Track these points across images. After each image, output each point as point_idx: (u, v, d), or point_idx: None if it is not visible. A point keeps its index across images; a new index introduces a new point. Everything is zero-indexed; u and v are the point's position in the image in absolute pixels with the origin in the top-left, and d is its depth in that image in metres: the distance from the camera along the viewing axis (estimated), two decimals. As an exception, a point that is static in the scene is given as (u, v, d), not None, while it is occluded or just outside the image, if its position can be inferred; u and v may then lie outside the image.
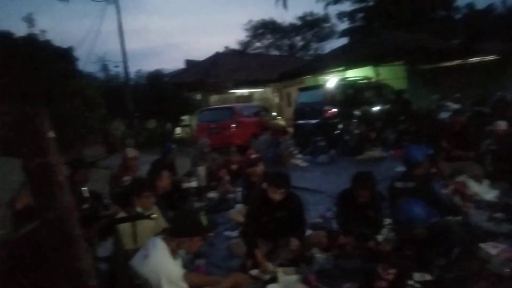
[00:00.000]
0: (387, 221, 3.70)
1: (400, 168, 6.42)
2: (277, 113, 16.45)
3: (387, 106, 11.70)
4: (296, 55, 31.18)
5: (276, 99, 21.91)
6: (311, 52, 33.07)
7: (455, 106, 10.56)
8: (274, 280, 3.29)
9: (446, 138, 5.68)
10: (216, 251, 4.19)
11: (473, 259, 3.16)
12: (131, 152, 5.74)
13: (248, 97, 21.82)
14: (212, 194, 6.35)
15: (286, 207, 3.64)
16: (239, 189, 6.11)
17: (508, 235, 3.48)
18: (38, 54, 10.72)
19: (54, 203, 1.07)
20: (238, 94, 21.51)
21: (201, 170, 6.80)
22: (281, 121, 14.64)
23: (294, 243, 3.46)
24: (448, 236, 2.75)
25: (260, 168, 5.12)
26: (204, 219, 2.68)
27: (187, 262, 2.95)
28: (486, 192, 4.67)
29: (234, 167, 7.01)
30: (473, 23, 23.44)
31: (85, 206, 1.87)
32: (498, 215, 3.96)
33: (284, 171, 4.34)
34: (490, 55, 15.51)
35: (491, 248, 3.18)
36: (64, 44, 13.80)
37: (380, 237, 3.51)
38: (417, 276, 2.65)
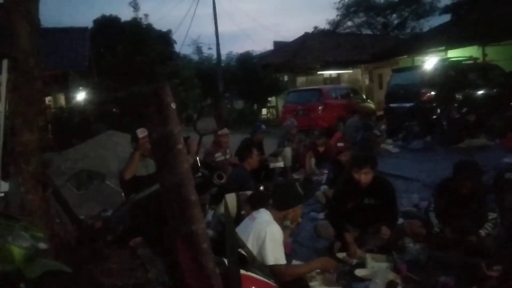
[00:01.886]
0: (492, 215, 3.38)
1: (507, 159, 5.80)
2: (367, 96, 15.81)
3: (494, 90, 10.53)
4: (391, 34, 29.37)
5: (366, 81, 21.01)
6: (408, 30, 30.81)
7: None
8: (362, 265, 3.24)
9: None
10: (302, 231, 4.23)
11: None
12: (222, 130, 6.01)
13: (336, 79, 21.26)
14: (297, 175, 6.40)
15: (375, 193, 3.52)
16: (325, 171, 6.08)
17: None
18: (142, 37, 11.63)
19: (174, 169, 1.17)
20: (326, 76, 21.07)
21: (287, 151, 6.87)
22: (371, 104, 14.07)
23: (385, 231, 3.35)
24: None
25: (347, 155, 5.03)
26: (300, 188, 2.78)
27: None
28: None
29: (320, 149, 6.94)
30: None
31: (199, 174, 2.02)
32: None
33: (370, 153, 4.20)
34: None
35: None
36: (164, 28, 14.77)
37: (483, 232, 3.23)
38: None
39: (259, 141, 6.58)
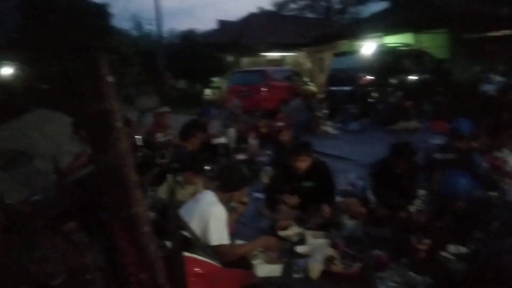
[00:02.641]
0: (421, 192, 3.63)
1: (436, 141, 6.26)
2: (309, 79, 16.13)
3: (426, 76, 11.22)
4: (333, 19, 30.05)
5: (309, 64, 21.40)
6: (348, 16, 31.74)
7: (500, 79, 10.01)
8: (302, 242, 3.35)
9: (492, 111, 5.44)
10: (245, 211, 4.25)
11: (509, 236, 3.09)
12: (163, 108, 5.82)
13: (280, 61, 21.40)
14: (241, 156, 6.41)
15: (313, 177, 3.63)
16: (268, 152, 6.16)
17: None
18: (75, 8, 10.79)
19: (112, 148, 1.09)
20: (270, 58, 21.12)
21: (231, 131, 6.85)
22: (313, 87, 14.38)
23: (326, 209, 3.47)
24: (489, 210, 2.68)
25: (287, 135, 5.12)
26: (245, 170, 2.78)
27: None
28: (528, 169, 4.47)
29: (263, 130, 7.00)
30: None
31: (140, 154, 1.92)
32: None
33: (304, 139, 4.33)
34: (543, 25, 14.41)
35: (530, 227, 3.07)
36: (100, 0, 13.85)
37: (413, 208, 3.47)
38: (452, 248, 2.61)
39: (205, 125, 6.43)
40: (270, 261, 3.01)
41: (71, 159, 3.59)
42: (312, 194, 3.63)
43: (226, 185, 2.79)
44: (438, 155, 3.75)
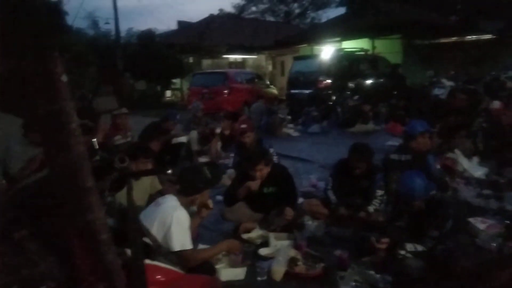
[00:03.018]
0: (379, 192, 3.74)
1: (391, 142, 6.51)
2: (270, 82, 16.28)
3: (381, 80, 11.65)
4: (292, 23, 30.54)
5: (270, 67, 21.62)
6: (308, 20, 32.41)
7: (449, 83, 10.58)
8: (265, 244, 3.35)
9: (443, 114, 5.72)
10: (208, 215, 4.20)
11: (462, 233, 3.26)
12: (120, 110, 5.64)
13: (241, 63, 21.46)
14: (203, 159, 6.33)
15: (273, 182, 3.64)
16: (231, 154, 6.13)
17: (495, 212, 3.57)
18: (25, 5, 10.24)
19: (67, 152, 1.02)
20: (231, 60, 21.13)
21: (193, 134, 6.76)
22: (274, 90, 14.51)
23: (289, 213, 3.50)
24: (443, 209, 2.81)
25: (250, 137, 5.13)
26: (207, 172, 2.73)
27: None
28: (475, 169, 4.75)
29: (226, 132, 6.96)
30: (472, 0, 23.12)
31: (96, 158, 1.83)
32: (487, 191, 4.05)
33: (260, 148, 4.35)
34: (488, 34, 15.42)
35: (479, 223, 3.26)
36: (53, -4, 13.25)
37: (371, 208, 3.57)
38: (409, 246, 2.71)
39: (168, 130, 6.24)
40: (233, 265, 2.98)
41: (22, 164, 3.39)
42: (273, 198, 3.65)
43: (187, 188, 2.73)
44: (394, 156, 3.89)
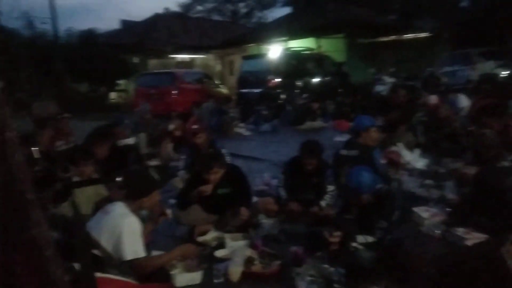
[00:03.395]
0: (330, 187, 3.84)
1: (339, 138, 6.72)
2: (219, 81, 16.20)
3: (328, 78, 12.00)
4: (239, 22, 30.58)
5: (219, 67, 21.49)
6: (254, 20, 32.63)
7: (390, 80, 11.12)
8: (221, 246, 3.32)
9: (385, 110, 5.99)
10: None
11: (408, 223, 3.43)
12: (62, 115, 5.38)
13: (189, 63, 21.14)
14: (153, 162, 6.15)
15: (227, 183, 3.62)
16: (183, 156, 6.01)
17: (437, 200, 3.79)
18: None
19: (3, 162, 0.93)
20: (179, 60, 20.75)
21: (142, 136, 6.56)
22: (224, 90, 14.46)
23: (244, 212, 3.49)
24: (390, 200, 2.94)
25: (202, 138, 5.07)
26: (152, 173, 2.65)
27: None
28: (417, 160, 5.03)
29: (177, 133, 6.81)
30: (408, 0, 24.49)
31: (37, 168, 1.70)
32: (428, 181, 4.30)
33: (214, 151, 4.33)
34: (423, 32, 16.42)
35: (423, 212, 3.44)
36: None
37: (323, 203, 3.66)
38: (360, 238, 2.81)
39: (116, 136, 5.95)
40: (189, 269, 2.93)
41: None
42: (228, 198, 3.63)
43: (134, 192, 2.62)
44: (343, 152, 4.02)
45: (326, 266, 2.79)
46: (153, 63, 19.62)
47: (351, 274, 2.64)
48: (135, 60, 19.22)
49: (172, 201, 4.60)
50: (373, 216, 2.87)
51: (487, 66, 11.37)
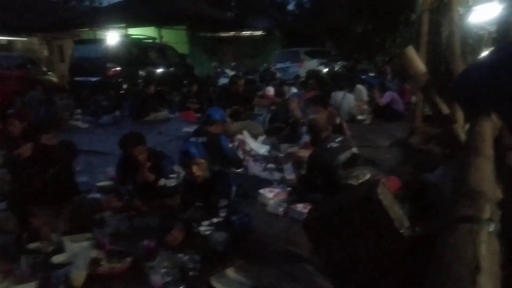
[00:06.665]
0: (173, 174, 3.74)
1: (187, 129, 6.71)
2: (47, 68, 14.27)
3: (172, 69, 11.85)
4: (71, 4, 27.51)
5: (45, 52, 18.89)
6: (87, 3, 29.81)
7: (232, 73, 11.67)
8: (60, 250, 2.92)
9: (228, 100, 6.25)
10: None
11: (254, 204, 3.65)
12: None
13: (7, 46, 17.98)
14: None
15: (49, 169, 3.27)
16: (2, 152, 5.11)
17: (279, 181, 4.15)
18: None
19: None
20: (-8, 41, 17.43)
21: None
22: (53, 77, 12.84)
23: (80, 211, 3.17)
24: (224, 178, 3.06)
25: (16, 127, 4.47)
26: None
27: None
28: (260, 147, 5.39)
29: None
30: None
31: None
32: (270, 165, 4.67)
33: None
34: (257, 30, 17.73)
35: (268, 193, 3.72)
36: None
37: (163, 181, 3.53)
38: (205, 223, 2.86)
39: None
40: (19, 282, 2.49)
41: None
42: (54, 191, 3.26)
43: None
44: (192, 139, 4.03)
45: (180, 255, 2.73)
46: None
47: (206, 259, 2.65)
48: None
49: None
50: (212, 196, 2.94)
51: (312, 64, 13.00)
